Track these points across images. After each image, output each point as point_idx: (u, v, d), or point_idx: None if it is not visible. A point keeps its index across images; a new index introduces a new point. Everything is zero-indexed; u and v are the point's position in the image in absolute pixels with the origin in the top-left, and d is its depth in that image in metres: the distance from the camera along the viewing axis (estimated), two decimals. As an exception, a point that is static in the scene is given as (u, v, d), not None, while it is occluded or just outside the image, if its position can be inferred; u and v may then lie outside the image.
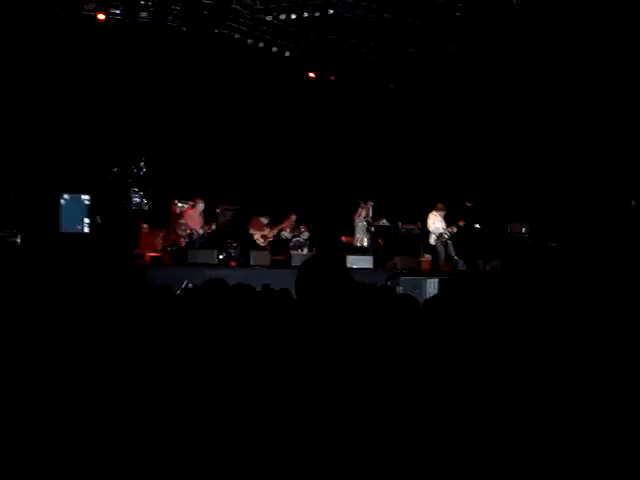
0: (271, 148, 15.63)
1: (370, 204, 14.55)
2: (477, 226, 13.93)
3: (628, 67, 13.11)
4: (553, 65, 13.99)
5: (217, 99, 15.00)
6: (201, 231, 12.88)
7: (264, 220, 13.91)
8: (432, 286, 11.61)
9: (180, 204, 13.20)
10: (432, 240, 13.69)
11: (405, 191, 15.89)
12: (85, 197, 12.27)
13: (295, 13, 13.95)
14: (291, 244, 13.98)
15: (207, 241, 12.92)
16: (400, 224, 14.52)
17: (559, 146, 14.52)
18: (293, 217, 14.23)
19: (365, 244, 14.37)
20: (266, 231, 13.82)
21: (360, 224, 14.44)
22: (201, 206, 13.05)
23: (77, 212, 12.19)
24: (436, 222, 13.68)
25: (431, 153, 16.22)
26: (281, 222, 14.17)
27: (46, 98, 13.15)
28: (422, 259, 13.91)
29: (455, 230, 13.63)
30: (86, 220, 12.14)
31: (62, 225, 12.08)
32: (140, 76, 14.16)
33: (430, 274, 12.73)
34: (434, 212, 13.77)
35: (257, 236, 13.82)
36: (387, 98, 16.65)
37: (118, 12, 13.42)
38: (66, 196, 12.18)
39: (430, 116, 16.27)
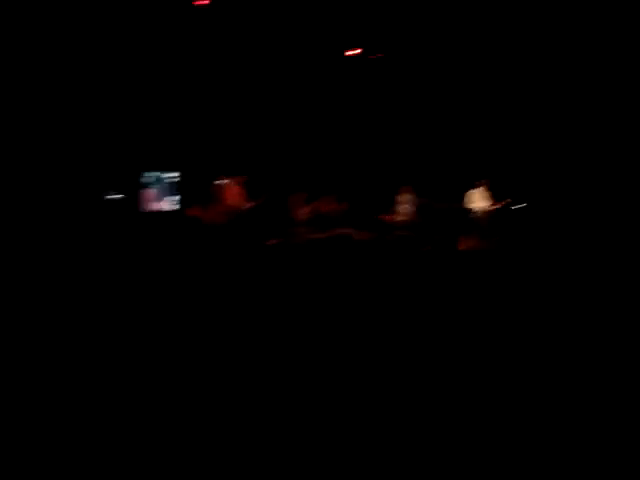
0: (312, 129, 15.63)
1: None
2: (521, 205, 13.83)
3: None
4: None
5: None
6: (245, 207, 12.92)
7: (302, 198, 13.96)
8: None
9: (221, 181, 13.24)
10: (473, 215, 13.62)
11: (444, 170, 15.79)
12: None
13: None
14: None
15: (250, 218, 12.97)
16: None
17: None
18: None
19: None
20: (304, 208, 13.87)
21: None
22: (243, 184, 13.10)
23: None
24: (481, 198, 13.60)
25: (474, 131, 16.06)
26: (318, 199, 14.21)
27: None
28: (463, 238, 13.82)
29: (500, 207, 13.58)
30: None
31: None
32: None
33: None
34: (480, 188, 13.68)
35: (296, 213, 13.87)
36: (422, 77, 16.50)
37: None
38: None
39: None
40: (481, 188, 13.70)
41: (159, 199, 12.63)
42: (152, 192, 12.90)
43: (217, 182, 13.20)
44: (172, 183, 12.70)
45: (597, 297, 8.37)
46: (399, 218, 14.46)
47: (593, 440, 3.62)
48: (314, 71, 15.56)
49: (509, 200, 13.61)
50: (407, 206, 14.38)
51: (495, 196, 13.74)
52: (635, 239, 12.10)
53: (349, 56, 15.75)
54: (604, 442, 3.59)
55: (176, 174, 12.46)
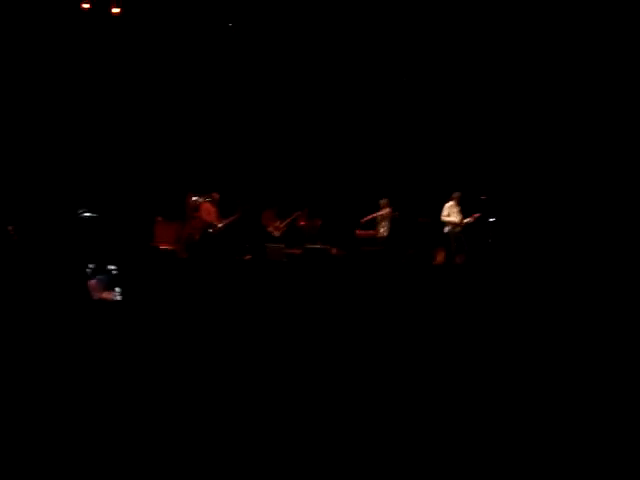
0: (285, 142, 15.65)
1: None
2: (491, 219, 13.93)
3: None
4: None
5: (231, 92, 15.07)
6: (217, 225, 12.94)
7: (274, 212, 14.05)
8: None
9: (195, 198, 13.24)
10: (446, 229, 13.68)
11: (418, 184, 15.88)
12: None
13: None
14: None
15: (222, 235, 12.97)
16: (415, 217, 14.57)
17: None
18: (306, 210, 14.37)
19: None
20: (277, 223, 13.94)
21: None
22: (217, 201, 13.13)
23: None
24: (452, 214, 13.65)
25: (445, 145, 16.20)
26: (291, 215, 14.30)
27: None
28: (436, 252, 13.92)
29: (470, 221, 13.64)
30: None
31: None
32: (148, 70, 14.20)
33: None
34: (451, 202, 13.74)
35: (270, 228, 13.93)
36: (400, 90, 16.61)
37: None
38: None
39: (442, 108, 16.27)
40: (454, 202, 13.74)
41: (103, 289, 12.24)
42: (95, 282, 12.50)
43: (192, 199, 13.21)
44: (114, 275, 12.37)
45: (572, 309, 8.51)
46: (373, 232, 14.55)
47: (592, 440, 3.68)
48: (285, 86, 15.62)
49: (479, 215, 13.68)
50: (381, 220, 14.43)
51: (467, 210, 13.83)
52: (612, 251, 12.31)
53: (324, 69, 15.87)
54: (604, 442, 3.64)
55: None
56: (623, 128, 13.93)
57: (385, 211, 14.35)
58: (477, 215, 13.64)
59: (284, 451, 3.67)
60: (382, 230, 14.40)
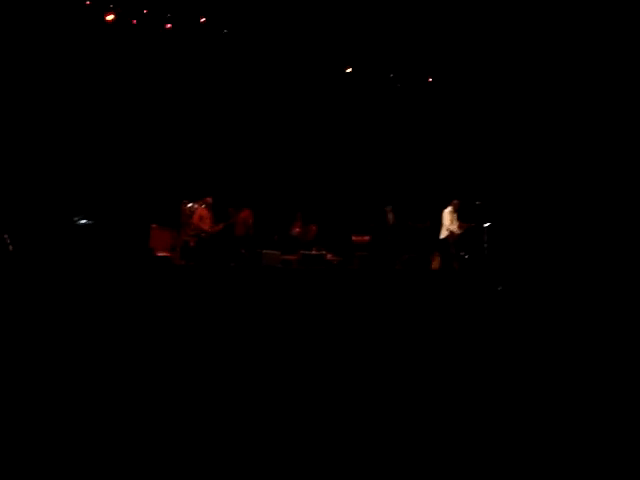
0: (280, 148, 15.63)
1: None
2: (486, 225, 13.96)
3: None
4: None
5: (225, 99, 15.04)
6: (210, 230, 12.89)
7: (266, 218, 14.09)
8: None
9: (190, 204, 13.20)
10: (443, 235, 13.67)
11: (414, 190, 15.91)
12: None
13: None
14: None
15: (216, 241, 12.92)
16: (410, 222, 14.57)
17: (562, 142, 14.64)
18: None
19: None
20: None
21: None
22: (211, 206, 13.09)
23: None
24: (453, 219, 13.64)
25: (439, 151, 16.25)
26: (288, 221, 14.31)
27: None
28: (432, 258, 13.95)
29: (465, 229, 13.65)
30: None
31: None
32: (141, 74, 14.13)
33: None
34: (450, 208, 13.72)
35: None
36: (394, 96, 16.64)
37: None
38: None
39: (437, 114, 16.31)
40: (452, 208, 13.73)
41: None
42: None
43: (186, 206, 13.16)
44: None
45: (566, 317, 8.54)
46: (369, 238, 14.54)
47: (591, 440, 3.67)
48: (280, 91, 15.61)
49: (473, 224, 13.71)
50: (381, 226, 14.36)
51: (462, 216, 13.86)
52: (602, 256, 12.39)
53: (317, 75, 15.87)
54: (603, 442, 3.64)
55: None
56: (616, 136, 14.03)
57: (379, 216, 14.30)
58: (472, 225, 13.68)
59: (279, 454, 3.64)
60: (375, 235, 14.30)
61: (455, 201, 13.77)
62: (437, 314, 9.12)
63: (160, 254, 12.44)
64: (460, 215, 13.80)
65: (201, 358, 6.08)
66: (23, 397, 4.72)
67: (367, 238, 14.55)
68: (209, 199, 13.12)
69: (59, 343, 6.43)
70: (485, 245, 14.00)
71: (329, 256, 13.38)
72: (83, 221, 12.13)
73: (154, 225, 12.94)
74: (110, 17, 13.19)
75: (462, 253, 13.85)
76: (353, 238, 14.66)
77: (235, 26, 14.38)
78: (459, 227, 13.58)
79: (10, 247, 9.93)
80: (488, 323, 8.41)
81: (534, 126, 15.05)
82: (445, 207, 13.78)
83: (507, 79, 15.05)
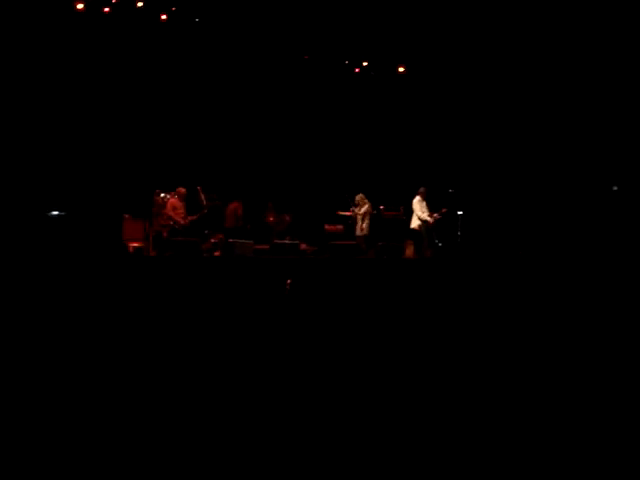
0: (254, 137, 15.55)
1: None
2: (459, 213, 14.04)
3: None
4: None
5: (202, 89, 14.92)
6: (183, 221, 12.80)
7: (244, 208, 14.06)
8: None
9: (163, 194, 13.10)
10: (414, 224, 13.67)
11: (387, 177, 15.91)
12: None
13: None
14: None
15: (188, 231, 12.84)
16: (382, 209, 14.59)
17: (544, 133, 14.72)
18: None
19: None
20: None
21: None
22: (184, 196, 13.00)
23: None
24: (422, 208, 13.63)
25: (414, 139, 16.26)
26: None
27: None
28: (406, 245, 13.99)
29: (439, 217, 13.67)
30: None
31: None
32: (125, 64, 13.96)
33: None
34: (419, 197, 13.72)
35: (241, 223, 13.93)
36: (366, 85, 16.61)
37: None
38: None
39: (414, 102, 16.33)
40: (420, 197, 13.72)
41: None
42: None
43: (159, 196, 13.06)
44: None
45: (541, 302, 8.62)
46: (343, 227, 14.53)
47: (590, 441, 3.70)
48: (255, 79, 15.51)
49: (446, 210, 13.74)
50: (362, 217, 14.25)
51: (433, 204, 13.90)
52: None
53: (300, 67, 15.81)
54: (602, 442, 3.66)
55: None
56: (590, 120, 14.15)
57: (365, 207, 14.17)
58: (444, 210, 13.68)
59: (274, 454, 3.64)
60: (364, 226, 14.20)
61: (422, 189, 13.75)
62: (416, 302, 9.15)
63: (132, 244, 12.35)
64: (432, 203, 13.82)
65: (178, 349, 6.05)
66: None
67: (340, 227, 14.55)
68: (182, 189, 13.03)
69: (33, 336, 6.37)
70: (459, 233, 14.10)
71: (303, 245, 13.35)
72: (55, 213, 11.99)
73: (126, 215, 12.84)
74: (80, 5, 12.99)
75: (436, 241, 13.92)
76: (326, 227, 14.66)
77: (215, 15, 14.25)
78: (430, 216, 13.58)
79: None
80: (459, 310, 8.45)
81: (506, 114, 15.11)
82: (415, 195, 13.78)
83: (480, 64, 15.06)
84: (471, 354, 5.91)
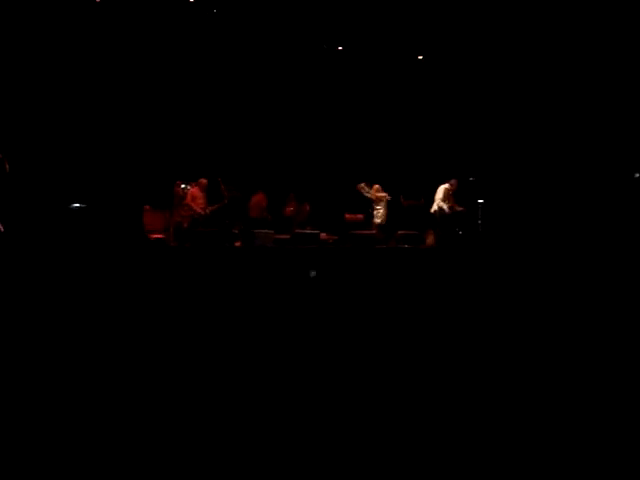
0: (273, 128, 15.55)
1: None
2: (480, 201, 13.98)
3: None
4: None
5: (219, 80, 14.94)
6: (202, 211, 12.86)
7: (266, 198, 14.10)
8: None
9: (183, 185, 13.17)
10: (433, 209, 13.65)
11: (408, 166, 15.86)
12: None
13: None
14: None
15: (210, 222, 12.91)
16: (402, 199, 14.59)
17: (561, 121, 14.57)
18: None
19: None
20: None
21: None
22: (204, 187, 13.06)
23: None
24: (445, 197, 13.58)
25: (432, 127, 16.18)
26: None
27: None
28: (426, 235, 13.95)
29: (461, 210, 13.65)
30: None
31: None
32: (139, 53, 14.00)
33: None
34: (447, 186, 13.67)
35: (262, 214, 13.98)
36: (386, 74, 16.54)
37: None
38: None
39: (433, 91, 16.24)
40: (448, 186, 13.67)
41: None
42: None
43: (180, 187, 13.13)
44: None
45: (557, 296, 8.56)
46: (364, 216, 14.52)
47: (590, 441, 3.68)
48: (270, 72, 15.49)
49: (464, 209, 13.72)
50: (373, 204, 14.29)
51: (458, 194, 13.85)
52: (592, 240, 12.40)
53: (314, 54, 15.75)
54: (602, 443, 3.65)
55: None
56: (607, 112, 14.00)
57: (382, 195, 14.18)
58: (463, 210, 13.69)
59: (275, 450, 3.65)
60: (380, 215, 14.25)
61: (453, 181, 13.70)
62: (435, 292, 9.13)
63: (153, 236, 12.43)
64: (455, 193, 13.79)
65: (198, 343, 6.08)
66: (14, 384, 4.72)
67: (361, 216, 14.54)
68: (204, 180, 13.09)
69: (53, 329, 6.43)
70: (479, 222, 14.02)
71: (323, 235, 13.36)
72: (76, 205, 12.09)
73: (147, 207, 12.92)
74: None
75: (457, 229, 13.87)
76: (346, 216, 14.65)
77: (234, 5, 14.24)
78: (449, 207, 13.53)
79: (1, 228, 9.88)
80: (478, 301, 8.42)
81: (527, 101, 14.98)
82: (441, 183, 13.72)
83: (501, 54, 14.95)
84: (487, 347, 5.90)
